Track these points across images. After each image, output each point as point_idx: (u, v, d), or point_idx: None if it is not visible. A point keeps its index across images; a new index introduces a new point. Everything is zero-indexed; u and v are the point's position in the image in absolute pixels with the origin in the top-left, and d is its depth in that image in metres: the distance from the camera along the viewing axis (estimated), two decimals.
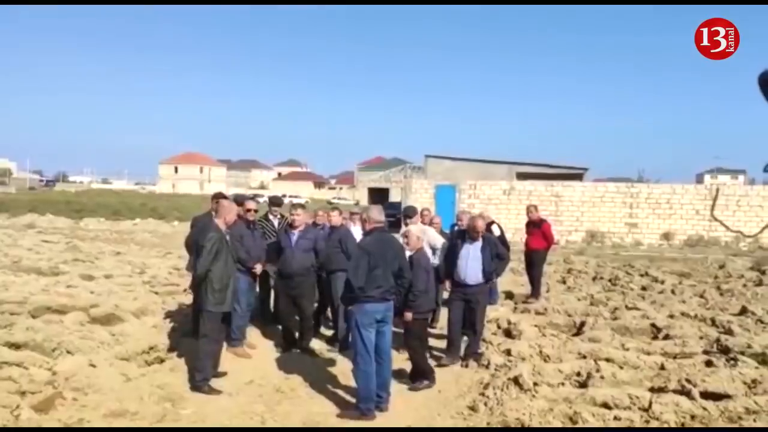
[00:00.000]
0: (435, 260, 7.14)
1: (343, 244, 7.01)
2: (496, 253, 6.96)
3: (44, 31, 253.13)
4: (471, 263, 6.71)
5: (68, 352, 5.85)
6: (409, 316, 5.88)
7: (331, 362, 6.60)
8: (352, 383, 5.65)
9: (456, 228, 8.60)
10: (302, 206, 7.38)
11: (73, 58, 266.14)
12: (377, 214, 5.51)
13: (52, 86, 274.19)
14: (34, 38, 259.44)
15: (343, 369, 6.24)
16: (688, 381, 5.33)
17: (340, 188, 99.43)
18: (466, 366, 6.51)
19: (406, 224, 7.45)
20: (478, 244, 6.79)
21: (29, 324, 6.59)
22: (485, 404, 5.19)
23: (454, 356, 6.70)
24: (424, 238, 7.03)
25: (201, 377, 5.51)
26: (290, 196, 62.73)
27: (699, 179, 76.23)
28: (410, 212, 8.04)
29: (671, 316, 8.39)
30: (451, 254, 6.90)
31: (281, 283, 7.07)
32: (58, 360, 5.56)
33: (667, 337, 7.27)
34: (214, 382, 5.64)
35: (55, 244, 15.38)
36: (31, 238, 16.63)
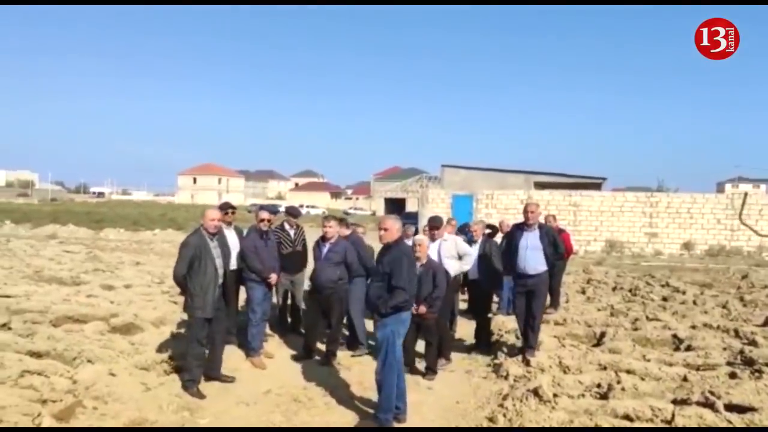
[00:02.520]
0: (465, 267, 7.23)
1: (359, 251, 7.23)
2: (553, 242, 6.94)
3: (66, 44, 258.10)
4: (530, 252, 6.78)
5: (88, 361, 5.89)
6: (423, 309, 6.20)
7: (349, 372, 6.58)
8: (370, 393, 5.64)
9: (465, 237, 8.58)
10: (335, 218, 7.32)
11: (93, 71, 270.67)
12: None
13: (73, 99, 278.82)
14: (56, 53, 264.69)
15: (360, 379, 6.23)
16: (711, 393, 5.23)
17: (357, 198, 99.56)
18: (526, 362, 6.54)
19: (433, 236, 7.22)
20: (536, 232, 6.85)
21: (50, 333, 6.66)
22: (504, 416, 5.13)
23: (530, 349, 6.78)
24: (452, 247, 7.04)
25: (187, 377, 5.66)
26: (307, 206, 63.06)
27: (720, 188, 75.29)
28: (437, 222, 7.44)
29: (693, 327, 8.25)
30: (509, 247, 6.98)
31: (311, 294, 7.18)
32: (78, 369, 5.60)
33: (689, 348, 7.15)
34: (227, 388, 5.77)
35: (76, 254, 15.55)
36: (53, 249, 16.84)
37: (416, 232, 9.83)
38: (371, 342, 7.41)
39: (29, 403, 4.66)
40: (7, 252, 15.37)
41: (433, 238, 7.22)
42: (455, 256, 7.16)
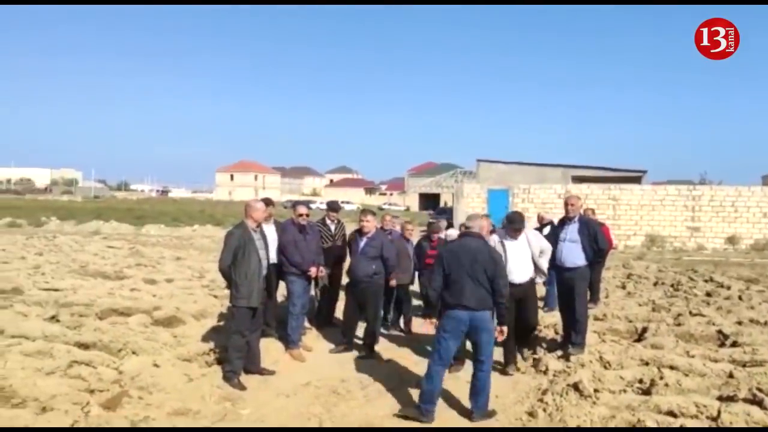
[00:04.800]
0: (543, 264, 6.60)
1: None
2: (595, 238, 6.71)
3: (111, 45, 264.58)
4: (567, 245, 6.70)
5: (133, 352, 6.05)
6: None
7: (388, 365, 6.60)
8: (407, 386, 5.67)
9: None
10: (372, 212, 7.31)
11: (136, 72, 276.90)
12: (470, 220, 5.56)
13: (116, 99, 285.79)
14: (100, 54, 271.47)
15: (400, 372, 6.24)
16: (759, 390, 5.08)
17: (391, 194, 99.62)
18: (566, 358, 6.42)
19: (515, 236, 6.40)
20: (575, 226, 6.76)
21: (97, 325, 6.85)
22: (544, 410, 5.08)
23: (577, 346, 6.59)
24: (535, 242, 6.51)
25: (228, 368, 5.76)
26: (342, 202, 63.40)
27: (766, 181, 72.77)
28: (518, 224, 6.38)
29: (739, 323, 8.02)
30: (551, 240, 6.87)
31: (348, 288, 7.25)
32: (124, 360, 5.75)
33: (735, 344, 6.95)
34: (267, 380, 5.89)
35: (119, 250, 15.95)
36: (97, 244, 17.29)
37: (449, 227, 9.76)
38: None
39: (78, 392, 4.81)
40: (54, 248, 15.86)
41: (514, 237, 6.39)
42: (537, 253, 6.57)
